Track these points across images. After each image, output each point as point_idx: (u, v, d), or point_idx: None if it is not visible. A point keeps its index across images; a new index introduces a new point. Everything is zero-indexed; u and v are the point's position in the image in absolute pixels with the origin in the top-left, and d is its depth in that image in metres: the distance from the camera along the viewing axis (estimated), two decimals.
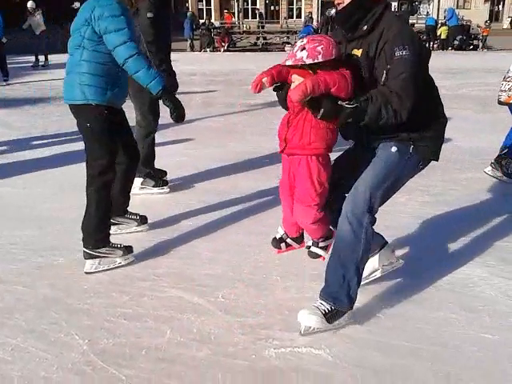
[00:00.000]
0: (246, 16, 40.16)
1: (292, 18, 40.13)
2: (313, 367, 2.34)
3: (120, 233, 3.67)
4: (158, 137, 4.81)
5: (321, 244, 2.74)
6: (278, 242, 2.87)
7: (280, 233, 2.87)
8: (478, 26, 25.30)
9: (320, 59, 2.33)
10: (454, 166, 5.24)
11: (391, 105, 2.29)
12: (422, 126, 2.52)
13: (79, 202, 4.35)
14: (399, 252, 3.06)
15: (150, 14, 4.00)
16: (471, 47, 23.15)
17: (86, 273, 3.20)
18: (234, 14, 38.70)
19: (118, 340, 2.54)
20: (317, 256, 2.76)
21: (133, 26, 3.14)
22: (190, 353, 2.45)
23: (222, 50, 24.03)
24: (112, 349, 2.47)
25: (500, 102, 4.81)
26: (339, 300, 2.52)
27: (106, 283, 3.09)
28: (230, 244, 3.62)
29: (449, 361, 2.38)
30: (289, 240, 2.85)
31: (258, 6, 40.77)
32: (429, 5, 40.08)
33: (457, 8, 31.45)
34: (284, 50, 23.92)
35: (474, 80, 12.47)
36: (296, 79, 2.40)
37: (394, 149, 2.54)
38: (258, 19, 36.09)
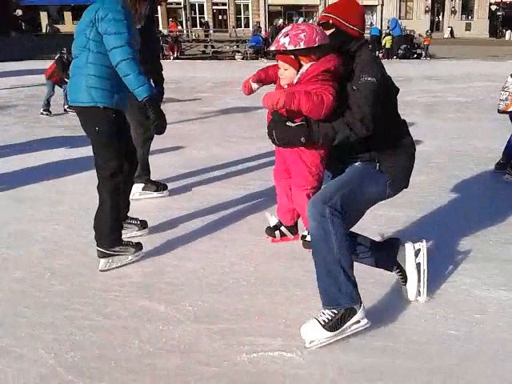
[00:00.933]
0: (194, 25, 40.17)
1: (240, 27, 40.43)
2: (287, 370, 2.34)
3: None
4: None
5: None
6: (272, 230, 2.84)
7: (274, 221, 2.85)
8: (420, 36, 26.23)
9: (302, 46, 2.38)
10: None
11: (340, 116, 2.41)
12: (388, 154, 2.65)
13: (16, 215, 4.22)
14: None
15: (137, 26, 4.00)
16: (415, 56, 23.95)
17: (101, 270, 3.28)
18: (181, 22, 38.60)
19: (85, 353, 2.46)
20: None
21: (132, 31, 3.14)
22: (160, 362, 2.41)
23: (172, 57, 23.92)
24: (79, 362, 2.40)
25: (499, 111, 5.25)
26: (335, 302, 2.47)
27: (66, 296, 2.99)
28: (195, 251, 3.58)
29: (419, 358, 2.42)
30: (283, 228, 2.83)
31: (205, 15, 40.85)
32: (372, 15, 41.25)
33: (399, 18, 32.53)
34: (234, 59, 24.09)
35: (420, 87, 12.89)
36: (281, 65, 2.48)
37: (358, 163, 2.65)
38: (203, 28, 36.04)
